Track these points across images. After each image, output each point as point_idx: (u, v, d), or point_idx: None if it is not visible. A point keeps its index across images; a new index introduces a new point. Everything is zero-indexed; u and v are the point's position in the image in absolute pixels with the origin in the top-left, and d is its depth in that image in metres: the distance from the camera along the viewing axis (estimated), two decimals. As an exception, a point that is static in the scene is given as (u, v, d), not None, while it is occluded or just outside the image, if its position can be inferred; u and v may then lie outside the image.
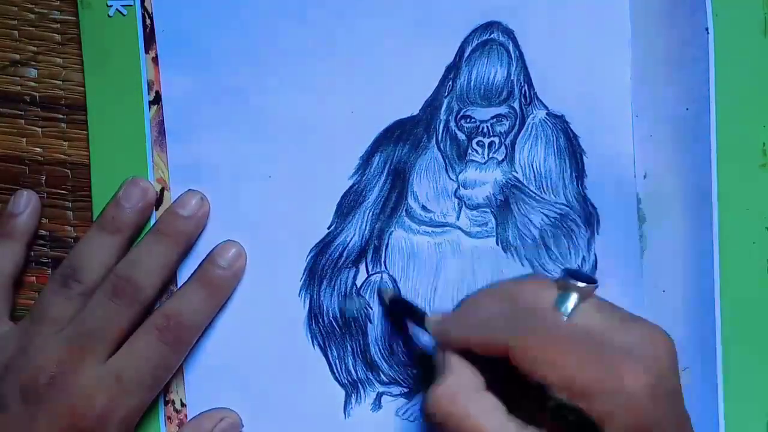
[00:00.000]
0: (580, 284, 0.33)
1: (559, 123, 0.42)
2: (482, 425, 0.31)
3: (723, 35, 0.40)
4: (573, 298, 0.33)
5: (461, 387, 0.33)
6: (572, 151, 0.42)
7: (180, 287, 0.41)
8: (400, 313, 0.41)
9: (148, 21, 0.42)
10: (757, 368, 0.41)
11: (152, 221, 0.41)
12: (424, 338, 0.41)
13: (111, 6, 0.42)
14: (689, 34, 0.41)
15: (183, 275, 0.41)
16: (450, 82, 0.42)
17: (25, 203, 0.42)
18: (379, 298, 0.42)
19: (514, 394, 0.33)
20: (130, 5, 0.42)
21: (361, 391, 0.41)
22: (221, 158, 0.42)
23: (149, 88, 0.42)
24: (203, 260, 0.41)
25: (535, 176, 0.42)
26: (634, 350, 0.31)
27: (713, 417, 0.40)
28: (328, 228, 0.42)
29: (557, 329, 0.32)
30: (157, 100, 0.42)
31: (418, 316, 0.38)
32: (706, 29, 0.40)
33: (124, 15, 0.42)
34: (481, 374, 0.33)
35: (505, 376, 0.33)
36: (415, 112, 0.42)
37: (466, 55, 0.42)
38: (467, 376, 0.33)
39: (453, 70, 0.42)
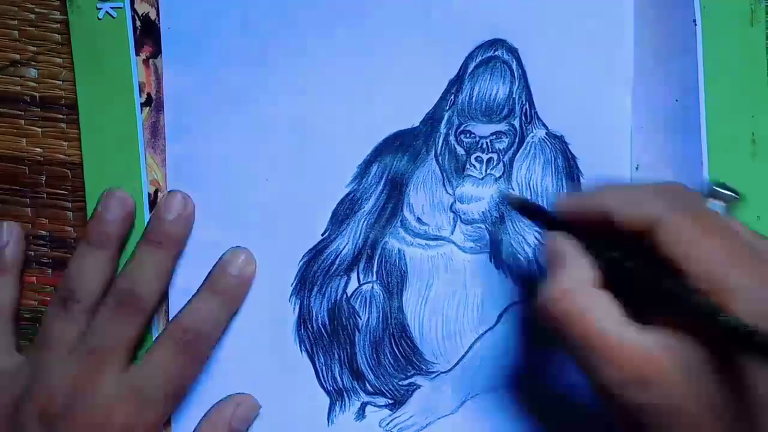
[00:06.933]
0: (729, 192, 0.33)
1: (558, 143, 0.41)
2: (595, 322, 0.30)
3: (711, 27, 0.40)
4: (719, 206, 0.33)
5: (577, 281, 0.32)
6: (569, 172, 0.41)
7: (193, 297, 0.41)
8: (524, 215, 0.40)
9: (138, 23, 0.41)
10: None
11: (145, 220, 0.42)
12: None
13: (101, 9, 0.41)
14: (677, 26, 0.41)
15: (186, 277, 0.42)
16: (452, 97, 0.41)
17: (7, 234, 0.42)
18: (509, 203, 0.41)
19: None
20: (120, 7, 0.41)
21: (346, 400, 0.42)
22: (219, 159, 0.42)
23: (141, 90, 0.42)
24: (213, 268, 0.41)
25: (531, 195, 0.42)
26: None
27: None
28: (322, 234, 0.42)
29: (713, 217, 0.31)
30: (148, 102, 0.42)
31: (543, 215, 0.37)
32: (694, 21, 0.40)
33: (113, 17, 0.42)
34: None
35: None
36: (416, 123, 0.42)
37: (470, 70, 0.41)
38: (585, 270, 0.32)
39: (455, 84, 0.41)
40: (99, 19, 0.42)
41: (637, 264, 0.31)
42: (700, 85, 0.40)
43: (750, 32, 0.41)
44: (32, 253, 0.43)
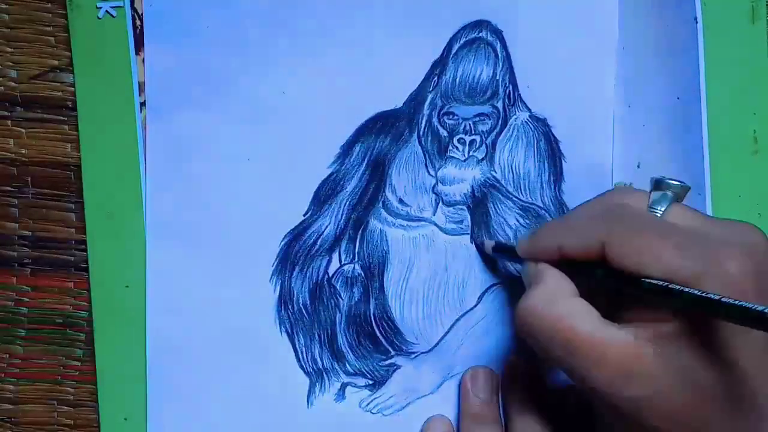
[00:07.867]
0: (675, 182, 0.34)
1: (541, 126, 0.42)
2: (577, 327, 0.31)
3: (711, 24, 0.41)
4: (667, 198, 0.33)
5: (555, 293, 0.33)
6: (552, 155, 0.42)
7: None
8: (500, 256, 0.41)
9: (138, 23, 0.41)
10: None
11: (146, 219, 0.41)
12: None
13: (100, 8, 0.41)
14: (678, 23, 0.41)
15: (162, 255, 0.42)
16: (435, 78, 0.42)
17: None
18: (479, 250, 0.41)
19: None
20: (120, 7, 0.41)
21: (326, 381, 0.42)
22: (201, 138, 0.41)
23: (140, 90, 0.41)
24: None
25: (513, 177, 0.42)
26: (731, 239, 0.31)
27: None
28: (304, 215, 0.42)
29: (654, 224, 0.32)
30: (149, 101, 0.42)
31: (513, 251, 0.38)
32: (695, 19, 0.41)
33: (113, 17, 0.41)
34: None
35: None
36: (399, 105, 0.42)
37: (454, 51, 0.41)
38: (560, 282, 0.33)
39: (439, 65, 0.41)
40: (99, 18, 0.41)
41: (606, 272, 0.32)
42: (701, 83, 0.41)
43: (751, 29, 0.41)
44: (35, 254, 0.42)
